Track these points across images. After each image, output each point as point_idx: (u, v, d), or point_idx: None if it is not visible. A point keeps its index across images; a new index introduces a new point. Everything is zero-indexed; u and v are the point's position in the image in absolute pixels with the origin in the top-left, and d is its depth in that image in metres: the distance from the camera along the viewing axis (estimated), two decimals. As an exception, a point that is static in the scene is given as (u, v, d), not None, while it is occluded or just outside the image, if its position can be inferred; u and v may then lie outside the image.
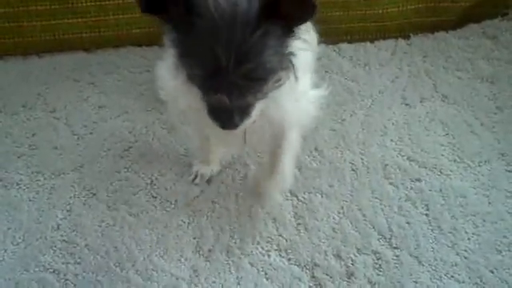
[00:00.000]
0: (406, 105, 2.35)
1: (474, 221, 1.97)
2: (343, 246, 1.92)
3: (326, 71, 2.47)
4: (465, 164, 2.13)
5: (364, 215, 2.00)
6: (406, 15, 2.59)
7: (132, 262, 1.90)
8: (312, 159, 2.16)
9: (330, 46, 2.57)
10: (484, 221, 1.97)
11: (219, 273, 1.87)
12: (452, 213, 1.99)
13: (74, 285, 1.86)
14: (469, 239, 1.93)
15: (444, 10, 2.61)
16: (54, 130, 2.30)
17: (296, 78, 1.52)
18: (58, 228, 1.99)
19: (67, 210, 2.04)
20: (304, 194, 2.05)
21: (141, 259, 1.90)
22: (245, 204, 2.03)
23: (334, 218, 1.99)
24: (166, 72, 1.64)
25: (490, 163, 2.14)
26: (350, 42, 2.61)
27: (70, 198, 2.08)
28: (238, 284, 1.84)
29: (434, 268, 1.86)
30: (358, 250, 1.91)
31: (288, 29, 1.42)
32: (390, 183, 2.08)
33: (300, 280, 1.84)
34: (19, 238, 1.97)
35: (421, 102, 2.36)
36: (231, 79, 1.37)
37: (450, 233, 1.94)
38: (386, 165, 2.14)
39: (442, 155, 2.16)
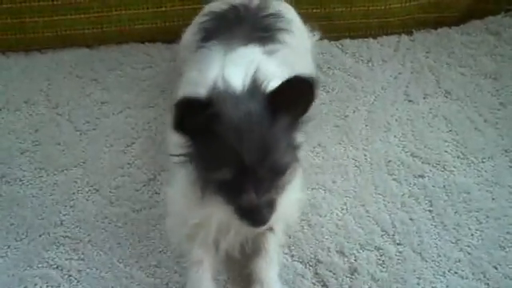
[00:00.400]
0: (409, 101, 2.35)
1: (477, 217, 1.97)
2: (346, 242, 1.91)
3: (329, 67, 2.47)
4: (468, 160, 2.13)
5: (367, 211, 1.99)
6: (409, 11, 2.59)
7: (135, 259, 1.89)
8: (315, 155, 2.16)
9: (333, 42, 2.57)
10: (487, 217, 1.97)
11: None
12: (455, 209, 1.99)
13: (78, 281, 1.85)
14: (472, 235, 1.92)
15: (447, 6, 2.61)
16: (56, 125, 2.29)
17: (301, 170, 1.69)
18: (62, 224, 1.99)
19: (70, 206, 2.04)
20: (307, 189, 2.04)
21: (144, 255, 1.90)
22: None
23: (337, 214, 1.99)
24: (180, 194, 1.74)
25: (494, 159, 2.13)
26: (352, 38, 2.60)
27: (73, 193, 2.07)
28: (242, 281, 1.83)
29: (437, 264, 1.86)
30: (361, 246, 1.90)
31: (293, 121, 1.55)
32: (394, 179, 2.08)
33: (303, 277, 1.84)
34: (22, 233, 1.97)
35: (424, 98, 2.36)
36: (258, 175, 1.48)
37: (454, 229, 1.94)
38: (390, 161, 2.13)
39: (446, 151, 2.16)
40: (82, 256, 1.91)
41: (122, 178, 2.11)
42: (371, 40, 2.60)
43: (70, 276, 1.87)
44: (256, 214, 1.52)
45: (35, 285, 1.85)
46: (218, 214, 1.66)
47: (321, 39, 2.43)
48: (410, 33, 2.62)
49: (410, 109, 2.32)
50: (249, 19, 2.00)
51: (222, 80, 1.56)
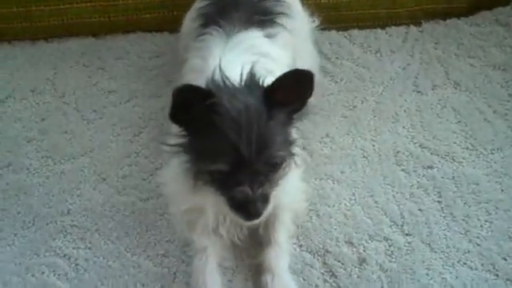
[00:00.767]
0: (418, 92, 2.33)
1: (486, 208, 1.96)
2: (355, 232, 1.90)
3: (337, 57, 2.46)
4: (477, 151, 2.12)
5: (376, 202, 1.98)
6: (418, 2, 2.57)
7: (143, 248, 1.89)
8: (323, 145, 2.15)
9: (341, 32, 2.56)
10: (497, 208, 1.96)
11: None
12: (464, 200, 1.98)
13: (85, 269, 1.85)
14: (481, 226, 1.91)
15: (456, -3, 2.59)
16: (63, 114, 2.29)
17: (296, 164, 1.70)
18: (69, 213, 1.99)
19: (77, 195, 2.03)
20: (315, 180, 2.03)
21: (152, 244, 1.90)
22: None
23: (345, 205, 1.98)
24: (171, 180, 1.77)
25: (503, 151, 2.12)
26: (360, 28, 2.59)
27: (80, 182, 2.07)
28: (249, 270, 1.83)
29: (446, 255, 1.85)
30: (370, 236, 1.89)
31: (289, 116, 1.59)
32: (402, 170, 2.07)
33: (312, 267, 1.83)
34: (29, 222, 1.97)
35: (433, 89, 2.34)
36: (254, 168, 1.49)
37: (463, 220, 1.93)
38: (398, 152, 2.12)
39: (455, 142, 2.15)
40: (89, 245, 1.91)
41: (129, 167, 2.10)
42: (379, 30, 2.58)
43: (77, 265, 1.86)
44: (250, 207, 1.53)
45: (42, 273, 1.84)
46: (211, 202, 1.67)
47: (328, 29, 2.43)
48: (418, 23, 2.60)
49: (418, 100, 2.30)
50: (248, 3, 1.98)
51: (221, 71, 1.56)
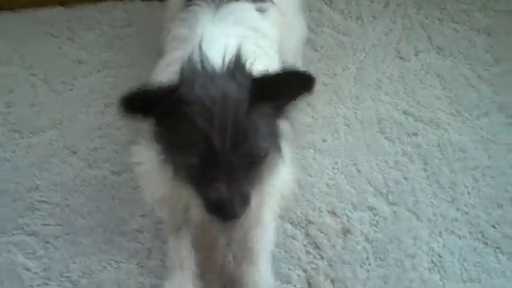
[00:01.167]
0: (401, 58, 2.26)
1: (473, 175, 1.91)
2: (338, 202, 1.85)
3: (317, 25, 2.37)
4: (463, 117, 2.06)
5: (359, 171, 1.92)
6: (399, -35, 2.49)
7: (116, 223, 1.82)
8: (304, 114, 2.07)
9: (321, -2, 2.47)
10: (484, 175, 1.91)
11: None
12: (451, 167, 1.93)
13: (55, 247, 1.78)
14: (469, 194, 1.87)
15: (438, -41, 2.51)
16: (31, 86, 2.19)
17: (283, 160, 1.49)
18: (37, 188, 1.91)
19: (46, 170, 1.95)
20: (297, 149, 1.95)
21: (125, 219, 1.83)
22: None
23: (328, 174, 1.92)
24: (148, 160, 1.55)
25: (489, 116, 2.06)
26: (341, -6, 2.50)
27: (49, 156, 1.99)
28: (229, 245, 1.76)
29: (433, 224, 1.80)
30: (354, 206, 1.84)
31: (277, 109, 1.38)
32: (386, 138, 2.01)
33: (294, 238, 1.78)
34: (-5, 199, 1.89)
35: (415, 55, 2.27)
36: (230, 162, 1.31)
37: (450, 188, 1.88)
38: (381, 119, 2.06)
39: (439, 109, 2.09)
40: (60, 221, 1.84)
41: (101, 139, 2.02)
42: (360, -4, 2.50)
43: (47, 242, 1.79)
44: (226, 208, 1.34)
45: (9, 252, 1.77)
46: (185, 198, 1.53)
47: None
48: (400, -12, 2.52)
49: (401, 66, 2.24)
50: None
51: (200, 51, 1.40)
